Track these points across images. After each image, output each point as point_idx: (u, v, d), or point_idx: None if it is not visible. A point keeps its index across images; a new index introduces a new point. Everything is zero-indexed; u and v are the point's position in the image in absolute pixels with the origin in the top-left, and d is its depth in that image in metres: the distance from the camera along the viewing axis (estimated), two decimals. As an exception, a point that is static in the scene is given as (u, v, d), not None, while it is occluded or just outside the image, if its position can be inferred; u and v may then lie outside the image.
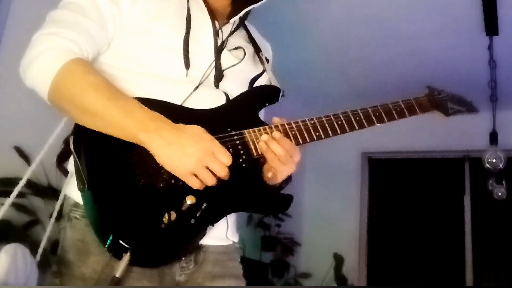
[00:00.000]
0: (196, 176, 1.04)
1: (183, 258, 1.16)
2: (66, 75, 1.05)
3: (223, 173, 1.05)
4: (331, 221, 5.28)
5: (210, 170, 1.04)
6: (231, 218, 1.27)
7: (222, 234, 1.24)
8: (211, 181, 1.04)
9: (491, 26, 3.47)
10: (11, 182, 1.96)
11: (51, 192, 2.31)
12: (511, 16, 3.40)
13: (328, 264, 4.93)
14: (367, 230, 5.37)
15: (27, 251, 1.08)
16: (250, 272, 1.38)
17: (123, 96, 1.07)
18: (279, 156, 1.13)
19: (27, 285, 1.05)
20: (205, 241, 1.18)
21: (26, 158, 2.33)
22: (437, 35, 3.72)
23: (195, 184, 1.04)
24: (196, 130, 1.06)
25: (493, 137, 3.82)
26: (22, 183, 1.21)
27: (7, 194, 1.20)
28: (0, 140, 2.36)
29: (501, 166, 3.68)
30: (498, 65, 3.85)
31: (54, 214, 1.21)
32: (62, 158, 1.18)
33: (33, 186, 2.25)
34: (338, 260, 4.94)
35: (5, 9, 2.44)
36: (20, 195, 1.98)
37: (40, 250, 1.19)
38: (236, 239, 1.31)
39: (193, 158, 1.02)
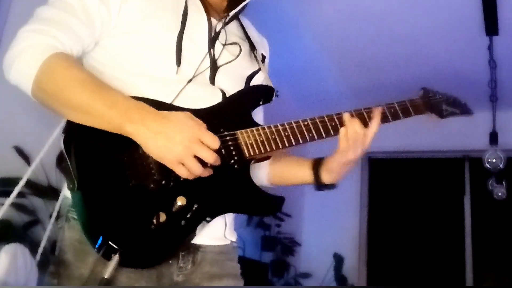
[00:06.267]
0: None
1: (181, 259, 1.16)
2: (48, 71, 1.04)
3: (212, 159, 1.04)
4: (331, 221, 5.28)
5: (199, 159, 1.03)
6: (229, 218, 1.26)
7: (220, 233, 1.24)
8: (198, 170, 1.03)
9: (491, 26, 3.47)
10: (11, 182, 1.95)
11: (51, 192, 2.31)
12: (511, 16, 3.40)
13: (328, 264, 4.93)
14: (367, 230, 5.37)
15: (27, 251, 1.08)
16: (250, 272, 1.38)
17: (106, 88, 1.06)
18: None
19: (27, 285, 1.05)
20: (203, 241, 1.18)
21: (26, 158, 2.33)
22: (437, 35, 3.72)
23: (183, 173, 1.03)
24: (180, 117, 1.05)
25: (493, 137, 3.82)
26: (22, 183, 1.21)
27: (7, 194, 1.20)
28: (0, 140, 2.35)
29: (501, 166, 3.69)
30: (498, 65, 3.85)
31: (54, 214, 1.21)
32: (62, 158, 1.18)
33: (33, 186, 2.24)
34: (338, 260, 4.94)
35: (5, 9, 2.44)
36: (20, 195, 1.98)
37: (40, 250, 1.19)
38: (234, 239, 1.30)
39: (179, 147, 1.01)
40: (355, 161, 1.24)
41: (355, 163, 1.26)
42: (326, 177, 1.28)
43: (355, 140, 1.19)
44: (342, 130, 1.19)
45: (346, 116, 1.20)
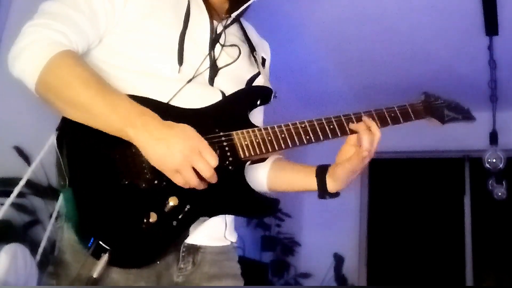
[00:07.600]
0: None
1: (182, 260, 1.15)
2: (53, 67, 1.04)
3: (208, 173, 1.03)
4: (331, 221, 5.27)
5: (196, 171, 1.02)
6: (229, 218, 1.26)
7: (221, 234, 1.24)
8: (194, 181, 1.02)
9: (491, 26, 3.47)
10: (11, 182, 1.96)
11: (51, 192, 2.31)
12: (511, 16, 3.40)
13: (328, 264, 4.93)
14: (367, 230, 5.37)
15: (27, 251, 1.08)
16: (250, 272, 1.37)
17: (110, 90, 1.06)
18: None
19: (27, 285, 1.05)
20: (203, 242, 1.18)
21: (26, 158, 2.33)
22: (437, 35, 3.72)
23: (179, 182, 1.03)
24: (184, 128, 1.04)
25: (493, 137, 3.82)
26: (22, 183, 1.21)
27: (7, 194, 1.20)
28: (0, 140, 2.35)
29: (501, 166, 3.69)
30: (498, 65, 3.85)
31: (54, 214, 1.21)
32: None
33: (33, 186, 2.24)
34: (338, 260, 4.95)
35: (5, 9, 2.44)
36: (20, 195, 1.98)
37: (40, 250, 1.19)
38: (234, 239, 1.30)
39: (178, 156, 1.00)
40: (362, 169, 1.22)
41: (361, 172, 1.23)
42: (331, 185, 1.26)
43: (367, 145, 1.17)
44: (351, 138, 1.19)
45: (360, 124, 1.19)
